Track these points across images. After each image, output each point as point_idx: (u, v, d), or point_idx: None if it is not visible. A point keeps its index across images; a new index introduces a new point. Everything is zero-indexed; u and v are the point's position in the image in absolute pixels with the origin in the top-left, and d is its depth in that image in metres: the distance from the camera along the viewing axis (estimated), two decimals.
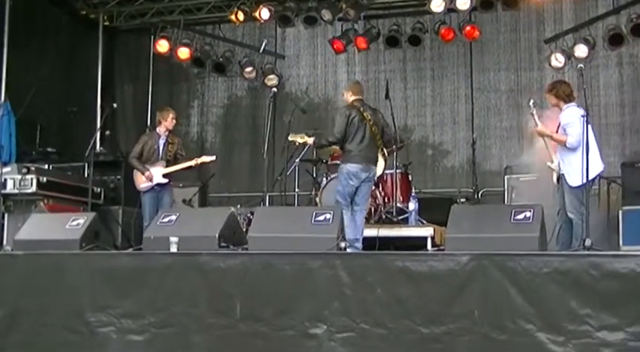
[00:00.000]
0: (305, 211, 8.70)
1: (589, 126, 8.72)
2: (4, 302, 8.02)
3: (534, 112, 9.49)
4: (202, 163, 11.87)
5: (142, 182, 11.61)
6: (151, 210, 11.49)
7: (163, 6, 16.39)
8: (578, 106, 9.23)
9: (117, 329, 7.57)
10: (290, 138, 10.75)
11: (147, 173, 11.51)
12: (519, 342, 6.40)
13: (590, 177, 8.70)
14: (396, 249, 9.58)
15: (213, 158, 12.05)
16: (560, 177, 9.42)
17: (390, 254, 7.29)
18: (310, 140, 10.66)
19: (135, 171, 11.76)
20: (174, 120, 11.82)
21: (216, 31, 16.80)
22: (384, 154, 10.49)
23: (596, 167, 9.14)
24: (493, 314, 6.53)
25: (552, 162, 9.56)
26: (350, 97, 10.38)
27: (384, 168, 10.76)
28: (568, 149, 9.18)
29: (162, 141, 11.76)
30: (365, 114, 10.17)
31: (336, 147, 10.70)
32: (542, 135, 9.49)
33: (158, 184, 11.55)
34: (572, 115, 9.18)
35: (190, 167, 11.81)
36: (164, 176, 11.55)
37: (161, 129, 11.82)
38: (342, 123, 10.13)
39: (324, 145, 10.74)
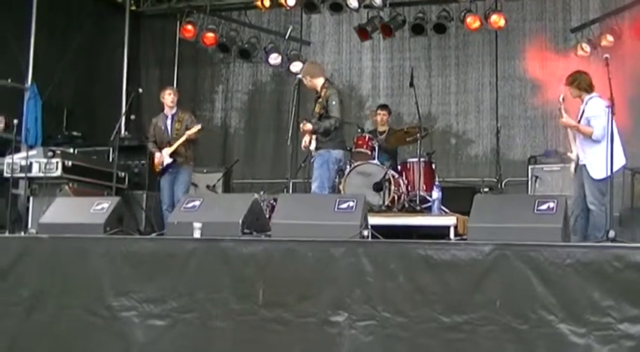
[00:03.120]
0: (328, 198, 8.68)
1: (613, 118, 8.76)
2: (28, 283, 8.07)
3: (562, 107, 9.52)
4: (191, 135, 11.82)
5: (156, 166, 11.79)
6: (169, 192, 11.62)
7: None
8: (600, 97, 9.23)
9: (139, 314, 7.60)
10: (301, 126, 10.69)
11: (157, 156, 11.63)
12: (541, 333, 6.38)
13: (613, 170, 8.71)
14: (418, 238, 9.58)
15: (199, 126, 12.01)
16: (581, 168, 9.41)
17: (413, 242, 7.28)
18: (309, 126, 10.53)
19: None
20: (170, 95, 12.01)
21: (242, 17, 16.84)
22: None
23: (620, 160, 9.14)
24: (515, 305, 6.51)
25: (572, 152, 9.58)
26: (319, 80, 10.62)
27: None
28: (592, 141, 9.19)
29: (168, 122, 11.90)
30: None
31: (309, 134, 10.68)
32: (567, 126, 9.50)
33: (169, 166, 11.62)
34: (597, 107, 9.19)
35: (187, 142, 11.81)
36: (170, 156, 11.61)
37: (166, 109, 11.98)
38: (341, 106, 10.41)
39: (327, 129, 10.43)
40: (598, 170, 9.05)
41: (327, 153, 10.42)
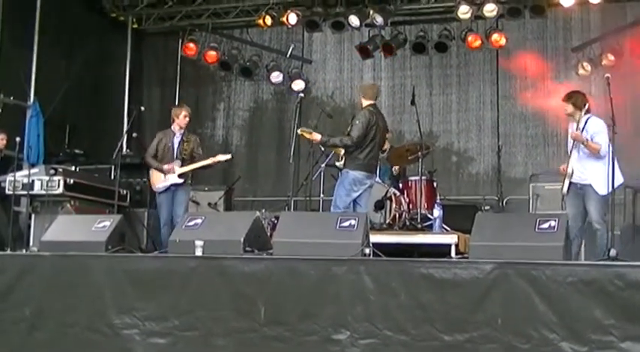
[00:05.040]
0: (330, 217, 8.71)
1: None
2: (30, 301, 8.09)
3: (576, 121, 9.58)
4: (218, 162, 11.81)
5: (158, 182, 11.50)
6: (167, 210, 11.41)
7: (192, 9, 16.50)
8: (598, 117, 9.32)
9: (140, 332, 7.61)
10: (299, 131, 10.77)
11: (166, 167, 11.45)
12: (542, 351, 6.40)
13: (615, 186, 8.82)
14: (419, 256, 9.58)
15: (229, 156, 12.01)
16: (582, 187, 9.40)
17: (414, 261, 7.30)
18: (317, 136, 10.66)
19: (151, 170, 11.70)
20: (186, 118, 11.66)
21: (244, 35, 16.92)
22: None
23: (619, 178, 9.22)
24: (516, 323, 6.53)
25: (566, 169, 9.58)
26: (365, 101, 10.65)
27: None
28: (595, 158, 9.20)
29: (176, 140, 11.62)
30: (379, 122, 10.45)
31: (340, 150, 10.86)
32: (577, 140, 9.45)
33: (174, 184, 11.51)
34: (599, 125, 9.25)
35: (207, 166, 11.76)
36: (180, 176, 11.47)
37: (175, 127, 11.69)
38: (364, 127, 10.35)
39: (336, 146, 10.75)
40: (603, 186, 9.07)
41: (345, 173, 10.49)
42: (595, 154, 9.25)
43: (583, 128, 9.39)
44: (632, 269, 6.40)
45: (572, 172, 9.43)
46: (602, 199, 9.16)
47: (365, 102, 10.66)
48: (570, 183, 9.48)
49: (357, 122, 10.37)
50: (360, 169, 10.39)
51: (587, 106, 9.52)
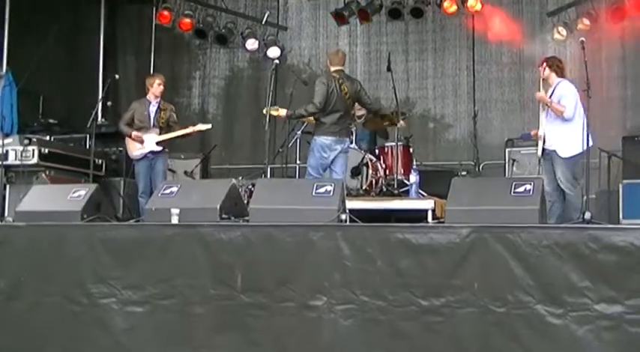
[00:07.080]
0: (306, 183, 8.69)
1: (581, 101, 9.26)
2: (6, 273, 8.05)
3: (541, 81, 9.71)
4: (199, 131, 11.82)
5: (135, 149, 11.57)
6: (145, 178, 11.49)
7: None
8: (571, 82, 9.43)
9: (118, 300, 7.60)
10: (264, 111, 10.81)
11: (139, 137, 11.49)
12: (518, 314, 6.43)
13: (580, 150, 9.09)
14: (396, 221, 9.61)
15: (209, 126, 12.05)
16: (549, 153, 9.58)
17: (391, 226, 7.29)
18: (283, 112, 10.86)
19: (127, 139, 11.76)
20: (160, 86, 11.74)
21: (219, 3, 16.77)
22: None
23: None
24: (492, 287, 6.55)
25: (538, 132, 9.75)
26: (332, 68, 10.80)
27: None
28: (561, 121, 9.36)
29: (153, 108, 11.72)
30: (343, 86, 10.55)
31: (311, 118, 11.00)
32: (541, 100, 9.66)
33: (151, 152, 11.52)
34: (567, 88, 9.49)
35: (186, 135, 11.76)
36: (158, 144, 11.50)
37: (150, 96, 11.78)
38: (323, 93, 10.53)
39: (302, 116, 10.98)
40: (566, 149, 9.30)
41: (313, 141, 10.69)
42: (560, 117, 9.39)
43: (553, 91, 9.55)
44: (606, 232, 6.43)
45: (544, 135, 9.56)
46: (568, 162, 9.31)
47: (331, 69, 10.77)
48: (544, 148, 9.63)
49: (317, 88, 10.60)
50: (326, 134, 10.54)
51: (562, 72, 9.69)
